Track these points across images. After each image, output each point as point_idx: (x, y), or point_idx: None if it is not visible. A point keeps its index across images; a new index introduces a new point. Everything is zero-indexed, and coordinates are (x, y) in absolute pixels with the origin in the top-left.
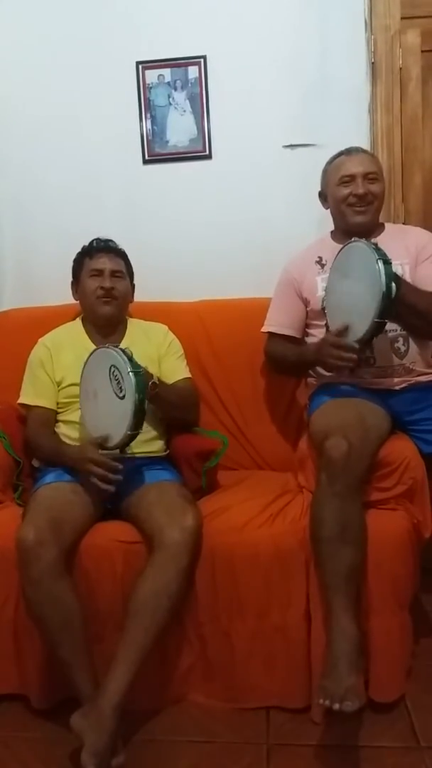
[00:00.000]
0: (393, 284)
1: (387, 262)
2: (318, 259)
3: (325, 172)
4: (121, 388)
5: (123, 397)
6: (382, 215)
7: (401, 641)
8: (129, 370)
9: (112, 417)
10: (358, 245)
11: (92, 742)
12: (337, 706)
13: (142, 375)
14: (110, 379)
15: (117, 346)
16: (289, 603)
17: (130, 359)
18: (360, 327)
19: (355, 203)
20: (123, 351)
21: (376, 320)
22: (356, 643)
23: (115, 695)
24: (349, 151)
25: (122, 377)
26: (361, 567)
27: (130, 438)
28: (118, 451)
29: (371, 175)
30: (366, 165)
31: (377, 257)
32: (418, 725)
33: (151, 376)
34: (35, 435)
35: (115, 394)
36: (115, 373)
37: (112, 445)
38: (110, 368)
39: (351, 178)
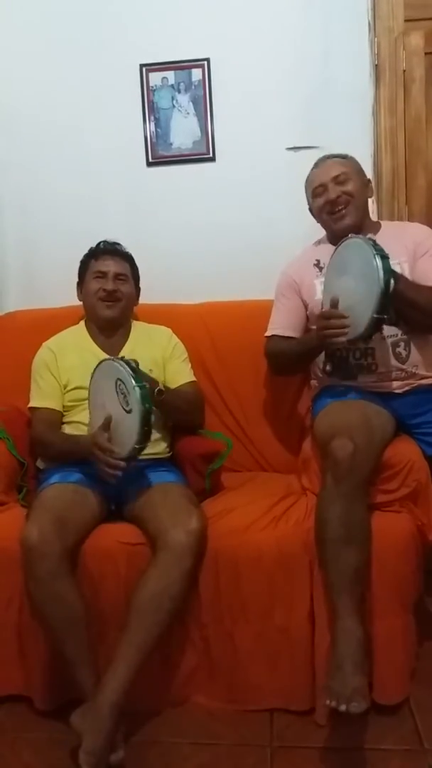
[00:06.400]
0: (391, 279)
1: (384, 257)
2: (316, 262)
3: (305, 190)
4: (127, 401)
5: (129, 411)
6: (384, 215)
7: (405, 643)
8: (134, 384)
9: (120, 429)
10: (355, 241)
11: (89, 741)
12: (343, 707)
13: (147, 388)
14: (117, 392)
15: (122, 358)
16: (292, 605)
17: (135, 372)
18: (359, 324)
19: (332, 209)
20: (128, 363)
21: (375, 316)
22: (361, 644)
23: (114, 694)
24: (317, 164)
25: (128, 391)
26: (366, 568)
27: (138, 451)
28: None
29: (340, 177)
30: (333, 170)
31: (374, 252)
32: (422, 727)
33: (157, 383)
34: (42, 434)
35: (122, 407)
36: (120, 387)
37: (120, 457)
38: (116, 381)
39: (323, 188)
